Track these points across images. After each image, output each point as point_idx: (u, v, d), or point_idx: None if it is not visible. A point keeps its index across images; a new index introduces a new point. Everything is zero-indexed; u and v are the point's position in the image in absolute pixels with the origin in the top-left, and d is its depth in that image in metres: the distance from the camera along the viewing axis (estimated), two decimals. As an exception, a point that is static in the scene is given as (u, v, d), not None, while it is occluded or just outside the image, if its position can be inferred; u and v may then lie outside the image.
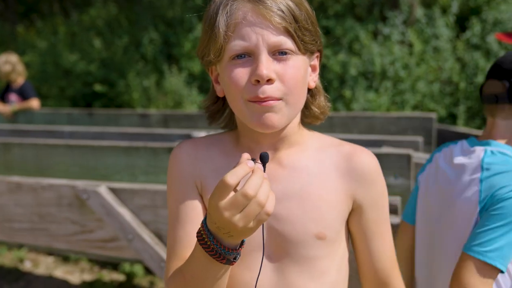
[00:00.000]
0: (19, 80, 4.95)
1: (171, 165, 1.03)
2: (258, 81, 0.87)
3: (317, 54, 0.98)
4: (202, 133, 3.11)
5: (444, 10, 6.05)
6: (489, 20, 5.52)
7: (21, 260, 3.73)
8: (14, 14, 10.26)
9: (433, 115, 3.29)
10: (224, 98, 1.00)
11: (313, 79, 0.99)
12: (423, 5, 6.16)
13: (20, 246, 2.99)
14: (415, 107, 5.26)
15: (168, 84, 6.30)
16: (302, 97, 0.94)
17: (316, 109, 1.02)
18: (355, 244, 1.03)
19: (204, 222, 0.81)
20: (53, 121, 4.55)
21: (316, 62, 0.99)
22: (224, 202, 0.75)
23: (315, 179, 0.97)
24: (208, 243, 0.79)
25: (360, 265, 1.04)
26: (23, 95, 4.86)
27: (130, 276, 3.37)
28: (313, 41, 0.92)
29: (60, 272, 3.56)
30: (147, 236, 2.01)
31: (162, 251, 2.00)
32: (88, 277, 3.45)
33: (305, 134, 1.02)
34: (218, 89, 0.98)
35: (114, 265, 3.57)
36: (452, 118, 5.19)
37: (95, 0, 9.25)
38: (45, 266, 3.66)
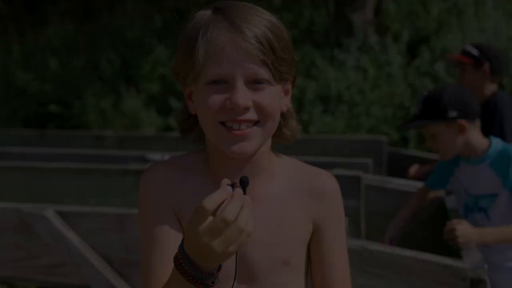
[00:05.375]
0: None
1: (144, 189, 1.00)
2: (233, 108, 0.88)
3: (291, 79, 1.00)
4: (157, 155, 3.08)
5: (396, 39, 6.32)
6: (437, 48, 5.81)
7: (-37, 289, 3.53)
8: (-35, 32, 9.93)
9: (384, 138, 3.41)
10: (196, 116, 1.00)
11: (286, 103, 1.00)
12: (376, 33, 6.42)
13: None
14: (370, 131, 5.41)
15: (126, 105, 6.23)
16: (276, 123, 0.96)
17: (288, 132, 1.03)
18: (311, 264, 1.04)
19: (181, 247, 0.80)
20: (2, 143, 4.39)
21: (289, 86, 1.01)
22: (203, 227, 0.75)
23: (282, 206, 0.99)
24: (185, 268, 0.78)
25: (313, 283, 1.05)
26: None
27: (80, 303, 3.25)
28: (289, 70, 0.95)
29: (5, 301, 3.38)
30: (96, 260, 1.97)
31: (110, 276, 1.95)
32: (35, 305, 3.30)
33: (274, 160, 1.03)
34: (191, 106, 0.98)
35: (63, 292, 3.43)
36: (404, 141, 5.37)
37: (51, 19, 9.10)
38: (-12, 295, 3.47)
